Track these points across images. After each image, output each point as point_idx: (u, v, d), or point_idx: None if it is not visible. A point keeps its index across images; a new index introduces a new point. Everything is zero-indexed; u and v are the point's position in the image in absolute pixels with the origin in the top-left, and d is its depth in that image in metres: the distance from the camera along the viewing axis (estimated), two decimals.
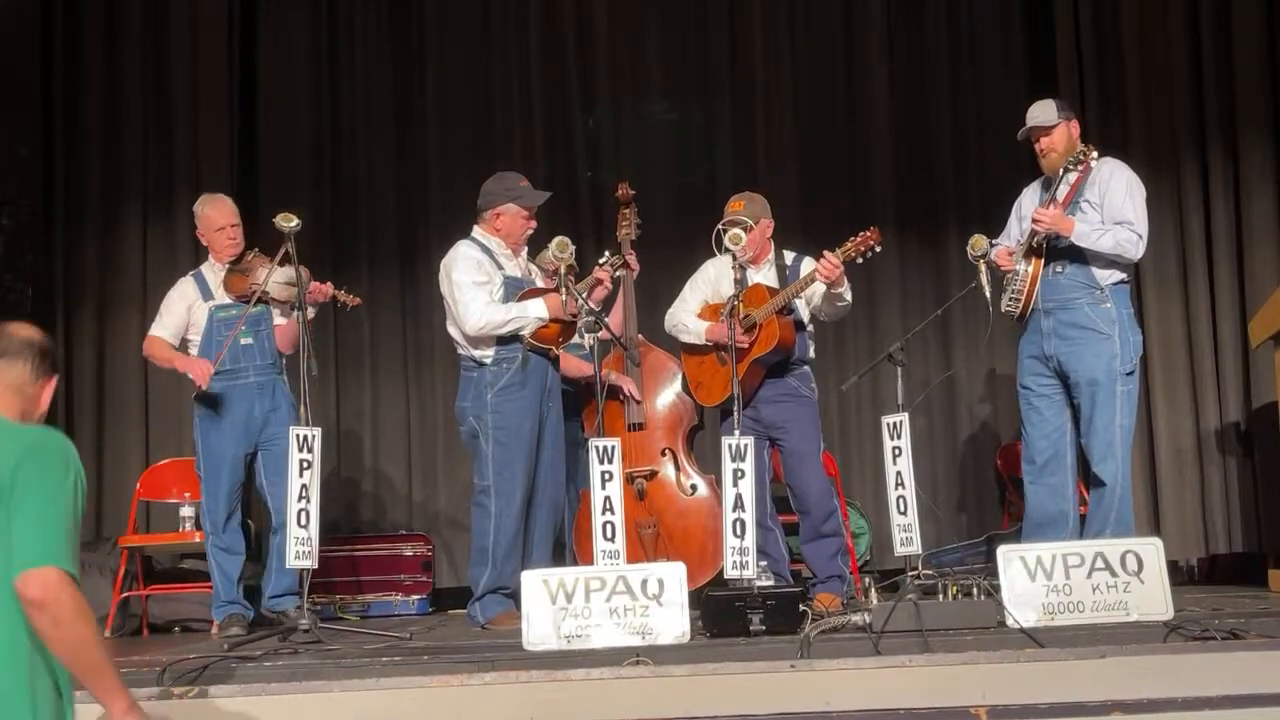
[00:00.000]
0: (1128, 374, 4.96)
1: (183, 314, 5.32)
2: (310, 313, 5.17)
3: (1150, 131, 6.57)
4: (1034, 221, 4.90)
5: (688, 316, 5.32)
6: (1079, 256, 4.96)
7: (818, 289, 5.04)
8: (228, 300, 5.27)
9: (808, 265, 5.19)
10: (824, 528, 5.13)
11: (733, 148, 7.26)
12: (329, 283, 5.28)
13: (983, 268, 4.98)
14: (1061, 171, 4.99)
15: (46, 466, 2.38)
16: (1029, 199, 5.21)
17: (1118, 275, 5.00)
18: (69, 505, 2.38)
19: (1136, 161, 6.34)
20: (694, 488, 5.41)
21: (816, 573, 5.13)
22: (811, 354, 5.32)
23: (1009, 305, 5.03)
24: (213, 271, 5.37)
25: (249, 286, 5.19)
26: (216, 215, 5.33)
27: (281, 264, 5.02)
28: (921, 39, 7.31)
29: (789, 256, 5.32)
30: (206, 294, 5.32)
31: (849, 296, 5.13)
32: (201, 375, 5.12)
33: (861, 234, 4.94)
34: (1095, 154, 4.95)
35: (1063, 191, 4.99)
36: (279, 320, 5.32)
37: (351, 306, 5.38)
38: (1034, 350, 5.06)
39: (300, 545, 4.55)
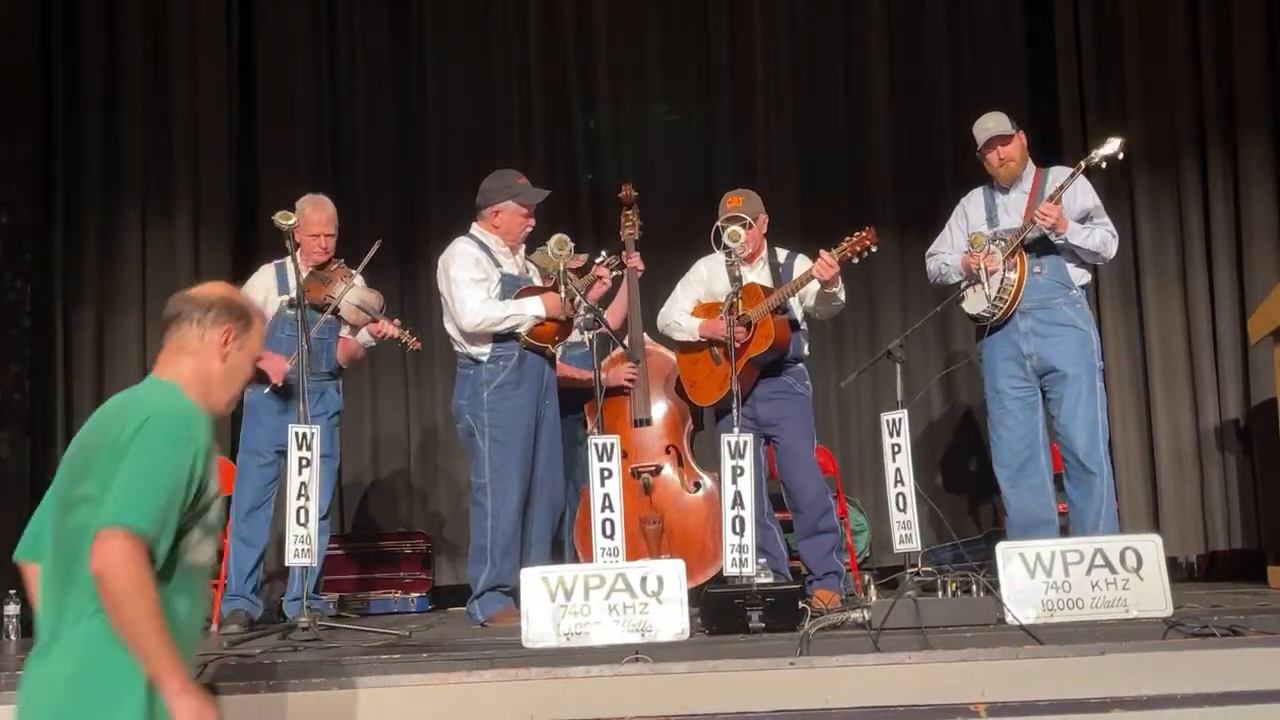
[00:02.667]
0: (1100, 370, 5.10)
1: (260, 303, 5.28)
2: (372, 341, 5.32)
3: (1150, 129, 6.56)
4: (1040, 215, 4.93)
5: (680, 315, 5.32)
6: (1056, 257, 5.06)
7: (812, 288, 5.05)
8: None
9: (801, 263, 5.20)
10: (819, 524, 5.13)
11: (733, 148, 7.26)
12: (396, 320, 5.26)
13: (983, 266, 5.00)
14: (1053, 172, 5.08)
15: (159, 434, 2.37)
16: (974, 207, 5.28)
17: (1087, 277, 5.16)
18: (172, 475, 2.35)
19: (1136, 159, 6.37)
20: (698, 485, 5.41)
21: (813, 569, 5.13)
22: (806, 351, 5.33)
23: (992, 308, 5.03)
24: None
25: (324, 296, 5.18)
26: (315, 220, 5.27)
27: (357, 282, 5.04)
28: (922, 39, 7.31)
29: (782, 254, 5.32)
30: (284, 287, 5.29)
31: (843, 296, 5.14)
32: (277, 372, 5.10)
33: (857, 234, 4.95)
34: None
35: (1018, 198, 5.09)
36: (344, 333, 5.31)
37: (412, 349, 5.34)
38: (1009, 352, 5.09)
39: (300, 543, 4.56)
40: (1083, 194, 5.07)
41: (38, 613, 2.47)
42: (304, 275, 5.22)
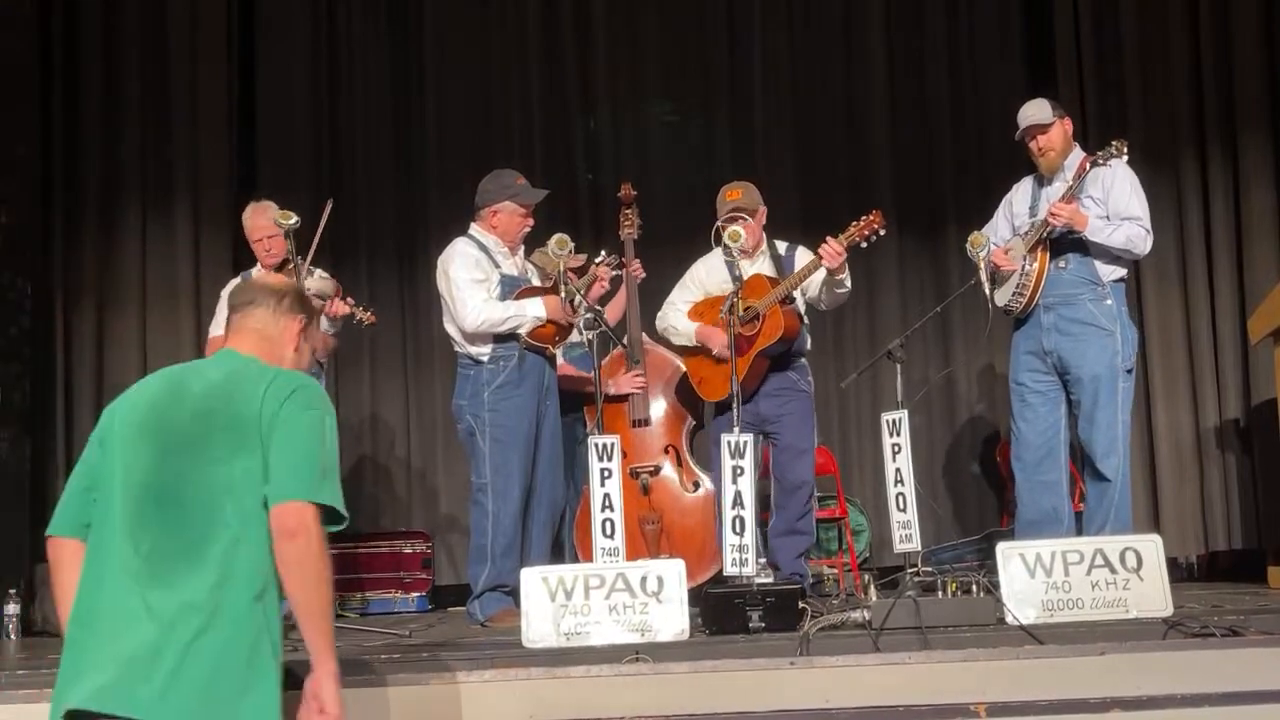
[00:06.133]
0: (1128, 371, 4.97)
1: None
2: (330, 326, 5.35)
3: (1149, 129, 6.56)
4: (1051, 215, 4.86)
5: (678, 318, 5.31)
6: (1083, 252, 4.95)
7: (816, 277, 5.03)
8: None
9: (802, 255, 5.18)
10: (799, 525, 5.11)
11: (732, 148, 7.26)
12: (349, 299, 5.33)
13: (982, 264, 4.97)
14: (1077, 166, 4.95)
15: (310, 401, 2.45)
16: (1020, 196, 5.19)
17: (1119, 272, 5.00)
18: (330, 442, 2.43)
19: (1136, 158, 6.33)
20: (696, 485, 5.41)
21: (781, 567, 5.06)
22: (809, 346, 5.30)
23: (1012, 301, 5.00)
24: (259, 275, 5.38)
25: None
26: (254, 226, 5.35)
27: (302, 266, 5.05)
28: (921, 38, 7.32)
29: (781, 246, 5.30)
30: None
31: (849, 283, 5.10)
32: None
33: (864, 218, 4.92)
34: (1126, 148, 4.88)
35: (1060, 189, 4.98)
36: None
37: (368, 324, 5.43)
38: (1032, 346, 5.04)
39: None
40: (1118, 190, 4.94)
41: (105, 583, 2.40)
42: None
